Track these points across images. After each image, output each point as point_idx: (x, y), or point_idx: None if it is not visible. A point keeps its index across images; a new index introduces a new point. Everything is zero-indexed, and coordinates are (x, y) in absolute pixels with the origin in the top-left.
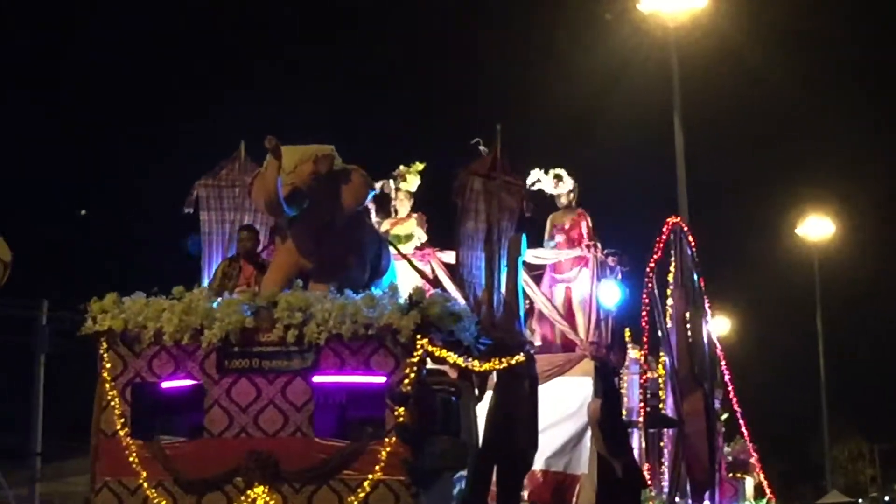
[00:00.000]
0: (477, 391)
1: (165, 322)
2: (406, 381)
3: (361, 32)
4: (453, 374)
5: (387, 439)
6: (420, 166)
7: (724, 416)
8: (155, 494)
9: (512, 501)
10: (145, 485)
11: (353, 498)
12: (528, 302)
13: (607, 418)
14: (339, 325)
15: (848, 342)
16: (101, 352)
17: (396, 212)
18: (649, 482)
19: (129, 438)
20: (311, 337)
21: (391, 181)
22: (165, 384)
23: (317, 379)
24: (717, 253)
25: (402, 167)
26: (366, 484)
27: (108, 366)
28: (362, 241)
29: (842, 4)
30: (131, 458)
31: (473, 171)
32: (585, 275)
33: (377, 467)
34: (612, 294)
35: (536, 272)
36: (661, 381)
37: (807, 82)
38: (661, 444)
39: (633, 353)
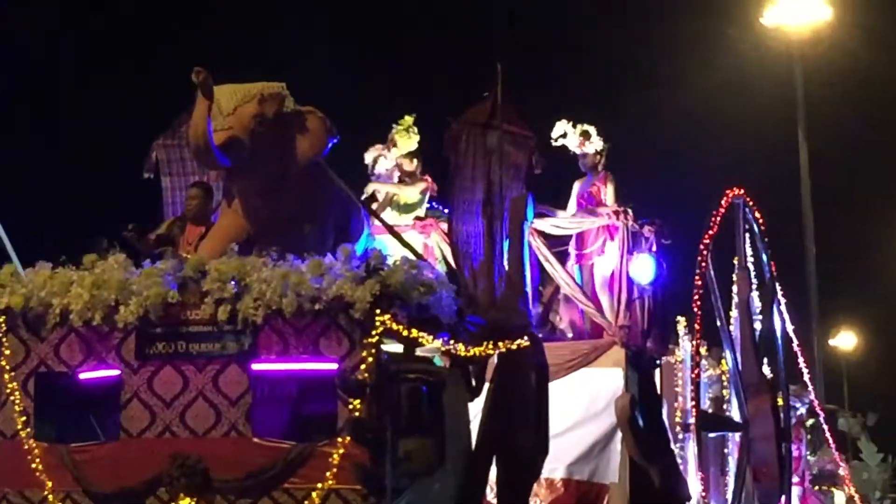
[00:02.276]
0: (474, 382)
1: (73, 298)
2: (362, 366)
3: None
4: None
5: (340, 439)
6: (410, 120)
7: (810, 422)
8: None
9: None
10: (51, 497)
11: None
12: (552, 284)
13: (643, 417)
14: (279, 298)
15: None
16: None
17: (402, 179)
18: (703, 494)
19: (31, 441)
20: (247, 314)
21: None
22: (75, 374)
23: (255, 366)
24: (842, 266)
25: (393, 130)
26: (314, 495)
27: (7, 353)
28: (322, 200)
29: None
30: (34, 465)
31: (469, 120)
32: (613, 248)
33: (328, 474)
34: (645, 269)
35: (560, 247)
36: (724, 378)
37: None
38: (725, 450)
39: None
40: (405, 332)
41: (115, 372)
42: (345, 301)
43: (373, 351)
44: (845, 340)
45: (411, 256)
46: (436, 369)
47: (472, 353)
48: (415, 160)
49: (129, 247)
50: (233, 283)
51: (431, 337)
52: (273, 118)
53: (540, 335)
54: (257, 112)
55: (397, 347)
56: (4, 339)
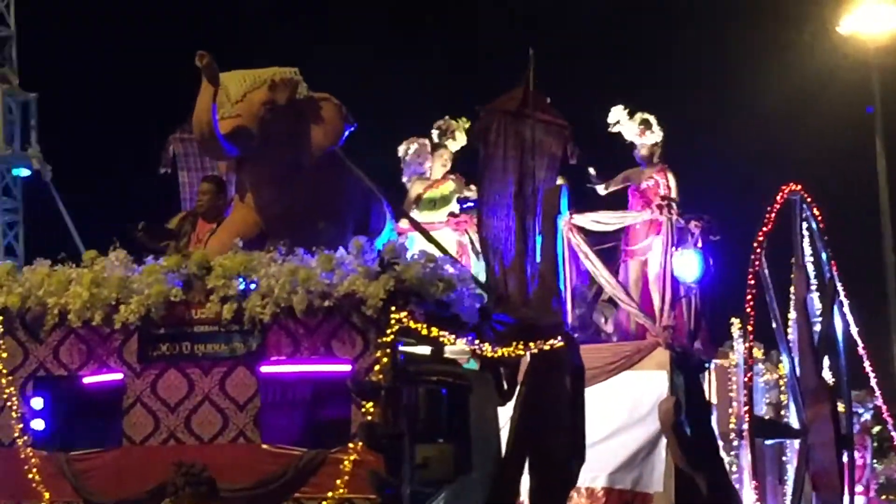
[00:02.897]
0: (505, 385)
1: (72, 297)
2: (377, 367)
3: None
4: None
5: (352, 445)
6: (467, 123)
7: (876, 428)
8: None
9: None
10: None
11: None
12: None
13: (690, 423)
14: (287, 295)
15: None
16: None
17: (430, 173)
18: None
19: (29, 449)
20: (254, 312)
21: (434, 133)
22: (76, 377)
23: (264, 368)
24: None
25: (449, 120)
26: (327, 503)
27: (4, 355)
28: (339, 192)
29: None
30: (32, 475)
31: (500, 108)
32: (658, 243)
33: (340, 482)
34: (691, 266)
35: (607, 244)
36: (782, 383)
37: None
38: (784, 458)
39: (754, 350)
40: (424, 331)
41: (118, 375)
42: (357, 297)
43: (388, 351)
44: None
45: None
46: (460, 371)
47: (499, 353)
48: (449, 161)
49: (139, 245)
50: (239, 279)
51: (454, 336)
52: (285, 105)
53: (580, 336)
54: (268, 99)
55: (425, 349)
56: (1, 342)
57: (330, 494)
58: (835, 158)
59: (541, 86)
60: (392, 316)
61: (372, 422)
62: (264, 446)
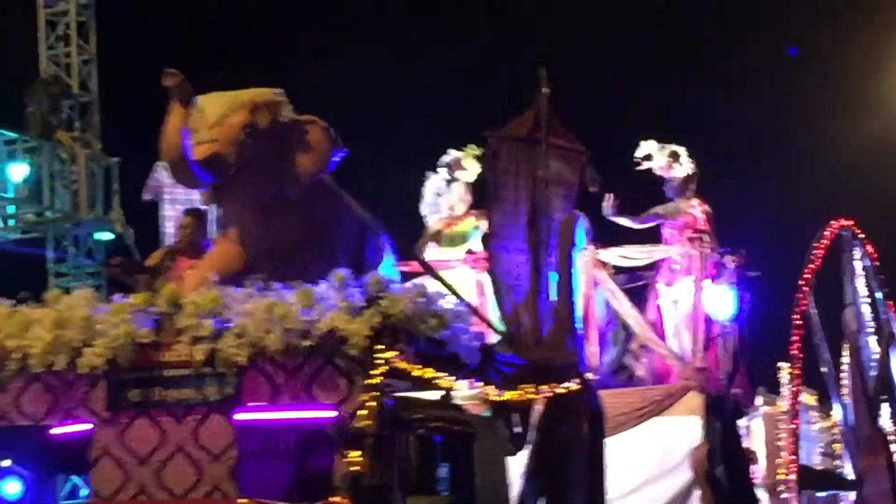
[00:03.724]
0: (520, 431)
1: (33, 340)
2: (362, 412)
3: None
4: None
5: (337, 499)
6: (477, 150)
7: None
8: None
9: None
10: None
11: None
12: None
13: (726, 472)
14: (264, 334)
15: None
16: None
17: (452, 209)
18: None
19: None
20: (229, 354)
21: (443, 171)
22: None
23: (240, 415)
24: None
25: (454, 152)
26: None
27: None
28: (329, 224)
29: None
30: None
31: (509, 133)
32: (690, 279)
33: None
34: (725, 304)
35: (639, 282)
36: (836, 431)
37: None
38: None
39: (805, 397)
40: (417, 372)
41: (87, 426)
42: (339, 336)
43: (375, 394)
44: None
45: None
46: (463, 417)
47: (505, 397)
48: (469, 193)
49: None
50: (213, 319)
51: (452, 378)
52: (266, 129)
53: (613, 381)
54: (247, 122)
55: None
56: None
57: None
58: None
59: (565, 111)
60: (379, 356)
61: (357, 472)
62: (241, 501)
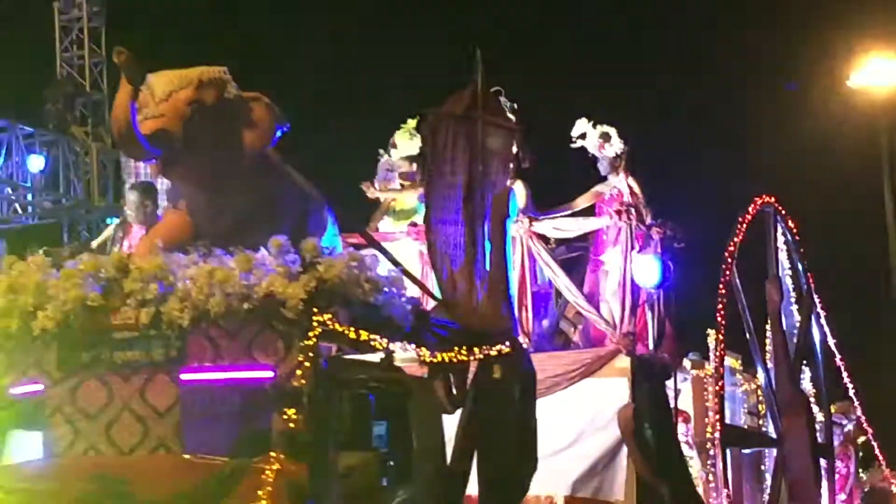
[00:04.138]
0: (455, 391)
1: None
2: (298, 372)
3: None
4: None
5: (274, 454)
6: (412, 123)
7: (861, 439)
8: None
9: None
10: None
11: None
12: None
13: (653, 430)
14: (206, 298)
15: None
16: None
17: (401, 183)
18: None
19: None
20: (173, 317)
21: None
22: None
23: (185, 375)
24: None
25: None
26: None
27: None
28: (273, 195)
29: None
30: None
31: (446, 111)
32: (618, 250)
33: (262, 493)
34: (650, 272)
35: (574, 253)
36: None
37: None
38: (763, 467)
39: (730, 361)
40: (352, 335)
41: (38, 387)
42: (277, 299)
43: (310, 355)
44: None
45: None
46: (400, 378)
47: (438, 358)
48: (414, 164)
49: None
50: (158, 283)
51: (386, 341)
52: (212, 105)
53: (549, 346)
54: (193, 98)
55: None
56: None
57: None
58: (845, 205)
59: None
60: (315, 318)
61: (293, 429)
62: (186, 456)
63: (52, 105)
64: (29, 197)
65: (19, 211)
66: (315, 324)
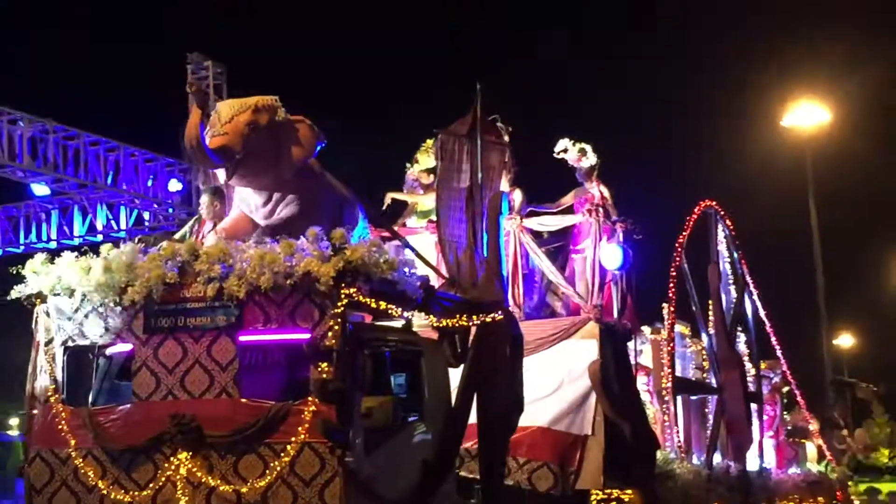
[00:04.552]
0: (459, 350)
1: (90, 281)
2: (330, 334)
3: None
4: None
5: (310, 399)
6: (430, 143)
7: (785, 388)
8: (83, 464)
9: (495, 463)
10: (74, 454)
11: (277, 463)
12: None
13: (613, 381)
14: (258, 276)
15: None
16: (35, 315)
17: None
18: (680, 445)
19: (60, 406)
20: (232, 290)
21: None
22: (96, 347)
23: (242, 337)
24: (841, 297)
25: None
26: (290, 447)
27: (41, 330)
28: (315, 197)
29: None
30: (61, 427)
31: (453, 131)
32: (590, 240)
33: (301, 429)
34: (613, 257)
35: (555, 244)
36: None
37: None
38: (706, 410)
39: (680, 328)
40: (373, 304)
41: (128, 345)
42: (313, 276)
43: (339, 320)
44: (845, 341)
45: (412, 255)
46: (414, 339)
47: (443, 324)
48: (431, 175)
49: None
50: (221, 264)
51: (401, 310)
52: (266, 126)
53: (537, 314)
54: (251, 120)
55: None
56: (38, 319)
57: (293, 439)
58: (777, 223)
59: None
60: (342, 291)
61: (325, 379)
62: (242, 400)
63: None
64: (170, 210)
65: (162, 220)
66: (342, 296)
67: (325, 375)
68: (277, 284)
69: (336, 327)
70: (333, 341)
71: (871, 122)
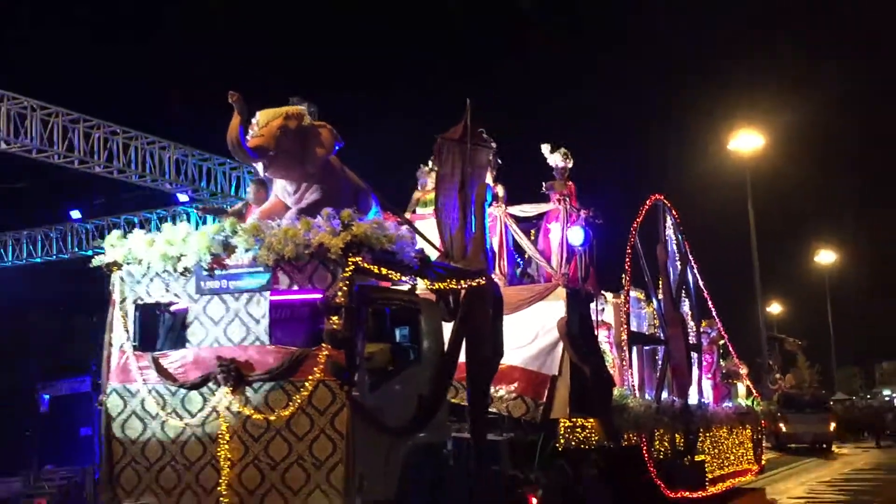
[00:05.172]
0: (452, 307)
1: (154, 252)
2: (339, 294)
3: None
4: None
5: (324, 345)
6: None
7: (721, 341)
8: (148, 397)
9: (479, 398)
10: (142, 389)
11: (297, 397)
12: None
13: (576, 333)
14: (283, 247)
15: None
16: (112, 279)
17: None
18: (633, 385)
19: (131, 350)
20: (263, 259)
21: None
22: (159, 305)
23: (272, 297)
24: (772, 276)
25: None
26: (308, 384)
27: (117, 291)
28: (336, 187)
29: None
30: (132, 368)
31: (448, 137)
32: (559, 223)
33: (317, 370)
34: (577, 236)
35: (535, 225)
36: (654, 313)
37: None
38: (657, 357)
39: (636, 293)
40: (375, 270)
41: (184, 303)
42: (325, 247)
43: (347, 283)
44: (775, 309)
45: (417, 236)
46: (412, 298)
47: (436, 286)
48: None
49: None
50: (255, 238)
51: (400, 275)
52: (294, 130)
53: (519, 281)
54: (282, 124)
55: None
56: (114, 282)
57: (310, 378)
58: (720, 226)
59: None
60: (350, 259)
61: (336, 329)
62: (271, 347)
63: None
64: None
65: None
66: (350, 263)
67: (335, 327)
68: (299, 254)
69: (345, 288)
70: (343, 299)
71: (798, 145)
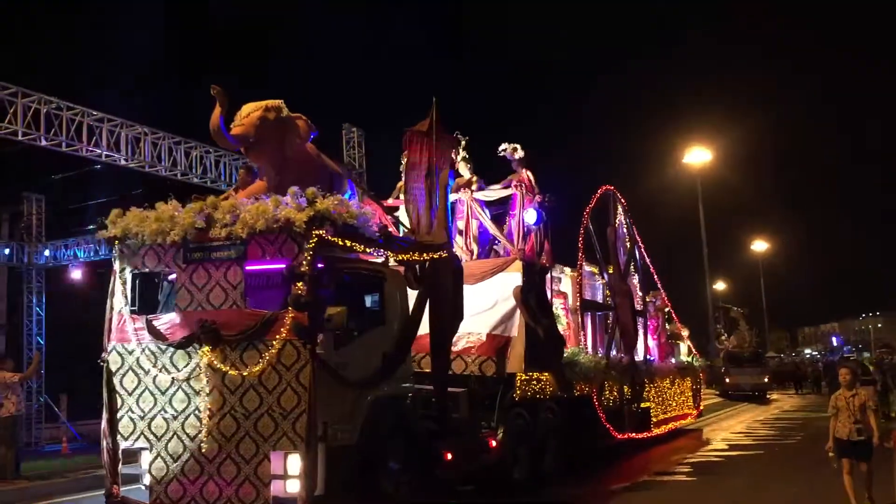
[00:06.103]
0: (419, 276)
1: (147, 227)
2: (303, 262)
3: None
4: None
5: (290, 308)
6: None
7: (666, 309)
8: (143, 355)
9: (441, 356)
10: (137, 348)
11: (268, 354)
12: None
13: (535, 300)
14: (255, 222)
15: None
16: (113, 251)
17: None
18: (585, 345)
19: (128, 313)
20: (238, 233)
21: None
22: (153, 273)
23: (247, 266)
24: (719, 260)
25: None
26: (276, 343)
27: (117, 261)
28: (311, 171)
29: None
30: (128, 329)
31: (416, 129)
32: (518, 206)
33: (284, 329)
34: (531, 216)
35: (500, 210)
36: (605, 284)
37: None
38: (607, 321)
39: (591, 268)
40: (339, 243)
41: (173, 275)
42: (291, 221)
43: (310, 253)
44: (720, 286)
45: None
46: (378, 267)
47: (401, 258)
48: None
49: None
50: (231, 214)
51: (363, 247)
52: (273, 120)
53: (485, 255)
54: (262, 116)
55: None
56: (114, 253)
57: (278, 337)
58: (676, 226)
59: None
60: (314, 232)
61: (300, 294)
62: (246, 310)
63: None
64: None
65: None
66: (314, 235)
67: (299, 292)
68: (269, 228)
69: (308, 257)
70: (306, 268)
71: (739, 158)
